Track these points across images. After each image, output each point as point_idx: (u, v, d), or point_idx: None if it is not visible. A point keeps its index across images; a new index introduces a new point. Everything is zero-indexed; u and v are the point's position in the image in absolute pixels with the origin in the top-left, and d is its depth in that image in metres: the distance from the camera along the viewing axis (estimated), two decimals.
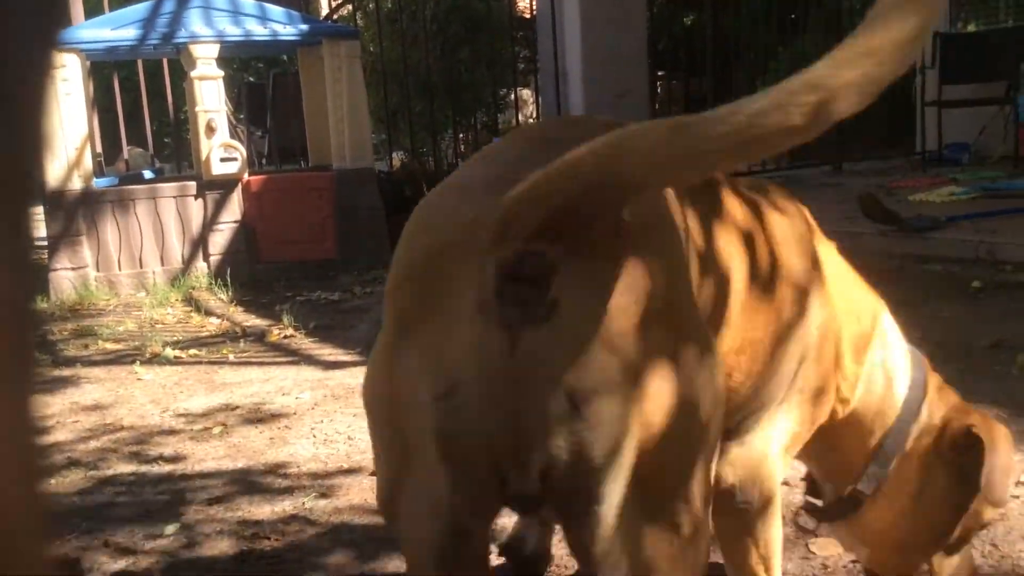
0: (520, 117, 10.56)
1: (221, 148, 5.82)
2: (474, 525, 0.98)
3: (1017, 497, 1.96)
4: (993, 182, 6.54)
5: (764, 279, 1.29)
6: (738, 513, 1.35)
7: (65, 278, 5.49)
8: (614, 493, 0.89)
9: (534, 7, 9.15)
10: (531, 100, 11.71)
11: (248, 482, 2.43)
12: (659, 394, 0.90)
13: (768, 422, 1.36)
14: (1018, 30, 8.13)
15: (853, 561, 1.76)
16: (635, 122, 0.85)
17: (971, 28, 8.92)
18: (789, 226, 1.37)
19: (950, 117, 8.23)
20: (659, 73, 11.64)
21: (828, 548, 1.84)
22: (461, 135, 9.94)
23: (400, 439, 0.96)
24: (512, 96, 10.15)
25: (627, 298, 0.88)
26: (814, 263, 1.39)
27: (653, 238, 0.96)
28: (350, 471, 2.45)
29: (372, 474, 2.41)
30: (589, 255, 0.86)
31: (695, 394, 0.94)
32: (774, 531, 1.39)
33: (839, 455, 1.53)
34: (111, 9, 6.30)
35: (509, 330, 0.84)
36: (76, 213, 5.57)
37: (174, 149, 8.86)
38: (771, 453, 1.36)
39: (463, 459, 0.89)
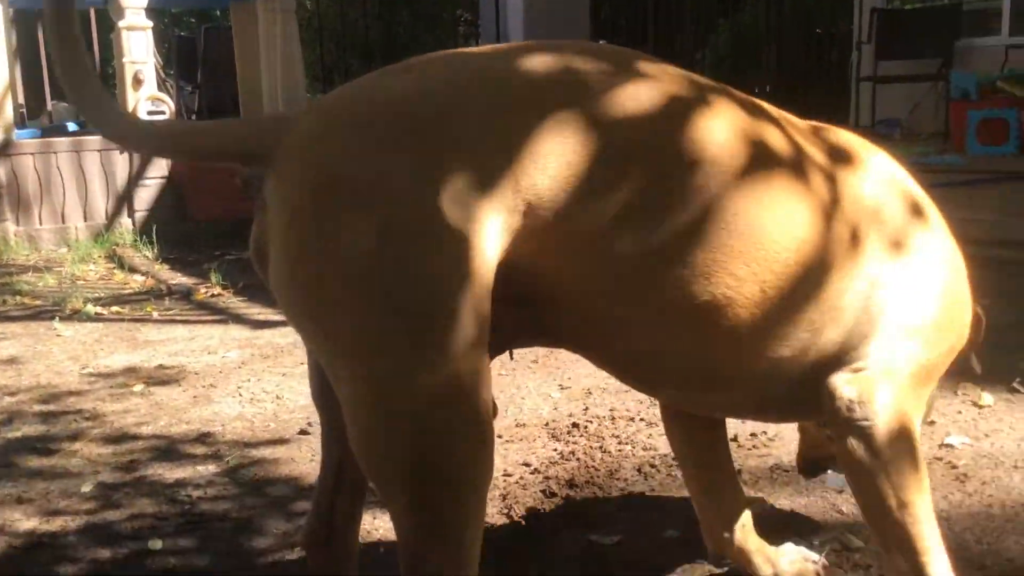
0: None
1: (148, 101, 5.63)
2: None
3: (940, 459, 2.00)
4: (924, 157, 6.68)
5: None
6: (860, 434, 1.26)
7: None
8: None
9: None
10: None
11: (169, 441, 2.35)
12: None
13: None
14: (953, 9, 8.28)
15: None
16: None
17: (908, 6, 9.06)
18: None
19: (884, 92, 8.36)
20: (600, 41, 11.61)
21: None
22: None
23: None
24: None
25: None
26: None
27: None
28: (277, 431, 2.40)
29: (301, 432, 2.36)
30: None
31: None
32: (909, 469, 1.27)
33: None
34: None
35: None
36: None
37: None
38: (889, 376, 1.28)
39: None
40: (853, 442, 1.26)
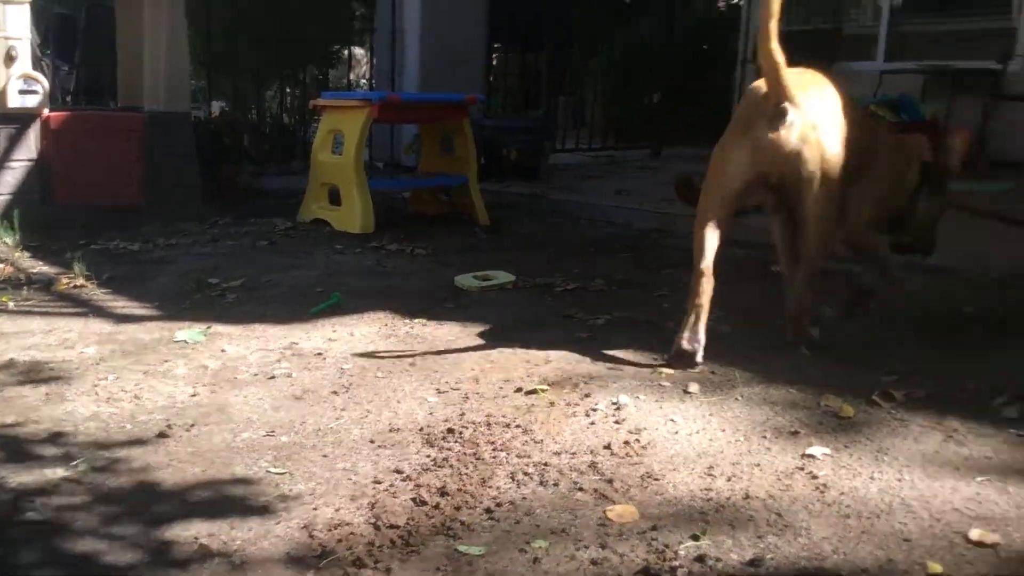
0: (352, 76, 10.28)
1: (20, 79, 5.31)
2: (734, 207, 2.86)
3: (802, 469, 2.05)
4: None
5: None
6: None
7: None
8: (818, 200, 2.73)
9: None
10: (364, 59, 11.41)
11: (15, 442, 2.20)
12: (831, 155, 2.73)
13: None
14: (832, 32, 8.62)
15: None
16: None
17: (790, 27, 9.37)
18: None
19: None
20: (495, 45, 11.62)
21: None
22: (288, 88, 9.54)
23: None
24: (345, 53, 9.87)
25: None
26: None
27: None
28: (134, 433, 2.27)
29: (159, 435, 2.24)
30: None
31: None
32: None
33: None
34: None
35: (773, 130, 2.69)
36: None
37: None
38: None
39: (748, 174, 2.75)
40: None
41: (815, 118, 2.68)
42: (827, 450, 2.15)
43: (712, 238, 2.80)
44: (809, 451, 2.14)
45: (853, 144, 2.77)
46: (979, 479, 2.00)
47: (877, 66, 8.36)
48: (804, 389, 2.57)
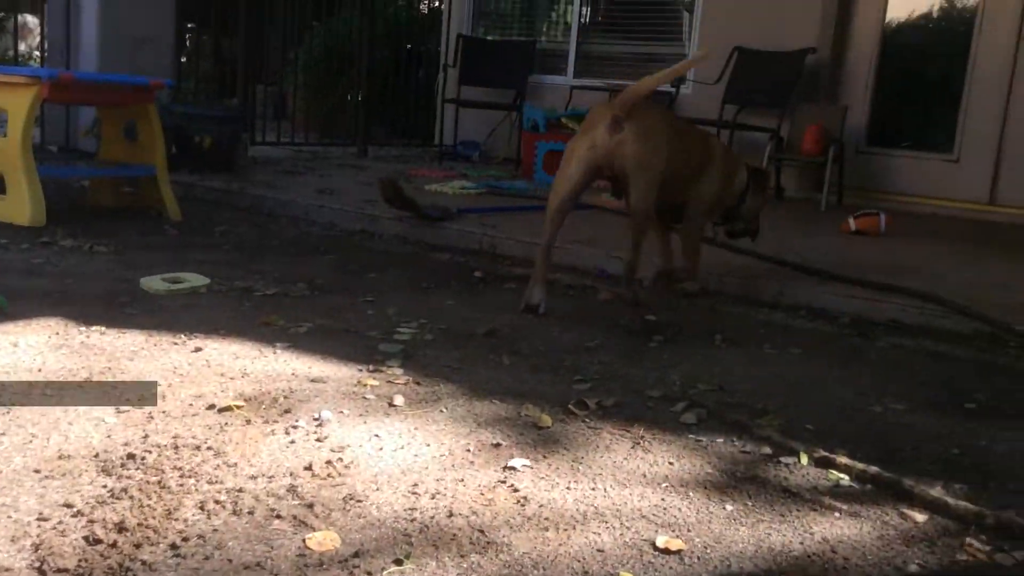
0: (23, 46, 9.22)
1: None
2: (581, 190, 3.72)
3: (504, 482, 2.07)
4: (497, 181, 7.15)
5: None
6: None
7: None
8: (640, 185, 3.58)
9: None
10: (37, 30, 10.32)
11: None
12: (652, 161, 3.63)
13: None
14: (528, 45, 9.01)
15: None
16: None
17: (490, 36, 9.67)
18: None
19: (466, 115, 8.83)
20: (189, 25, 10.95)
21: None
22: None
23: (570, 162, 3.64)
24: (12, 23, 8.82)
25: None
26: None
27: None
28: None
29: None
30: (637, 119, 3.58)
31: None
32: None
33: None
34: None
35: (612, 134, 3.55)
36: None
37: None
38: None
39: (589, 165, 3.60)
40: None
41: (640, 129, 3.55)
42: (527, 462, 2.19)
43: (557, 219, 3.68)
44: (511, 463, 2.17)
45: (682, 153, 3.73)
46: (664, 485, 2.13)
47: (568, 81, 8.86)
48: (505, 399, 2.62)
